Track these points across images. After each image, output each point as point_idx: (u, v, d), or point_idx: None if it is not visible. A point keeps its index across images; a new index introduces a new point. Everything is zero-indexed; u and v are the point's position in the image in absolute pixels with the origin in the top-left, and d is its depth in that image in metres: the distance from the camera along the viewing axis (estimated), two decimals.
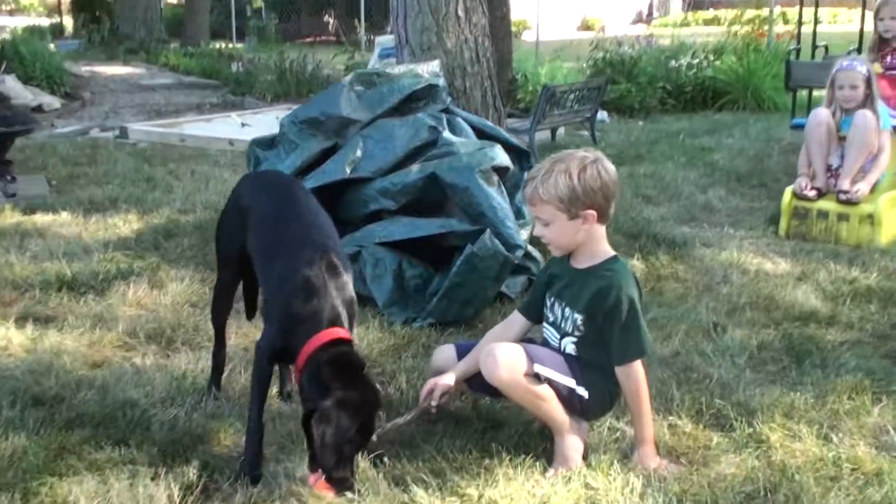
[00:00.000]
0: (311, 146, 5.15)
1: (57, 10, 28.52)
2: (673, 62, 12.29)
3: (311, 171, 5.06)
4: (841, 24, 23.89)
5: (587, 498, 2.87)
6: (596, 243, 3.13)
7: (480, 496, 2.86)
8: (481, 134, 5.21)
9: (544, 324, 3.30)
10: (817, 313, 4.37)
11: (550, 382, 3.08)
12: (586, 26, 26.95)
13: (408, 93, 5.28)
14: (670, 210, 6.38)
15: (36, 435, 3.21)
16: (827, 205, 5.82)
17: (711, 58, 12.37)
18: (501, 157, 4.75)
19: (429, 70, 5.43)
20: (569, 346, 3.18)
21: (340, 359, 2.91)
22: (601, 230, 3.13)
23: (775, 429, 3.25)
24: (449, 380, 3.25)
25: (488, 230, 4.36)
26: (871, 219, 5.65)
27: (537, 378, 3.06)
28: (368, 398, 2.90)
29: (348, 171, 4.94)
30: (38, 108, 11.98)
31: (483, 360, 3.09)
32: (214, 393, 3.60)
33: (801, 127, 6.70)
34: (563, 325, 3.19)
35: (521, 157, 5.25)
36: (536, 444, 3.21)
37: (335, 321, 2.95)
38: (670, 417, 3.38)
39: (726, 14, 18.17)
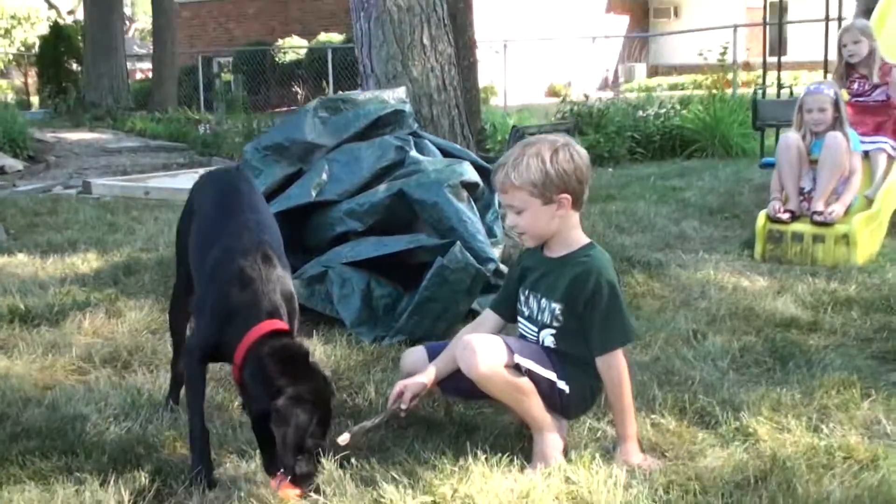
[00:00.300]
0: (275, 172, 5.02)
1: (24, 90, 28.55)
2: (640, 112, 12.34)
3: (276, 196, 4.91)
4: (803, 85, 24.27)
5: (568, 492, 2.68)
6: (570, 231, 3.01)
7: (455, 492, 2.67)
8: (449, 156, 5.10)
9: (519, 319, 3.14)
10: (798, 320, 4.25)
11: (531, 375, 2.92)
12: (553, 92, 27.15)
13: (374, 118, 5.18)
14: (644, 238, 6.28)
15: None
16: (802, 227, 5.74)
17: (678, 107, 12.44)
18: (470, 174, 4.64)
19: (395, 96, 5.34)
20: (547, 338, 3.02)
21: (283, 350, 2.73)
22: (575, 217, 3.01)
23: (763, 422, 3.10)
24: (421, 381, 3.07)
25: (458, 242, 4.22)
26: (846, 239, 5.57)
27: (518, 370, 2.90)
28: (321, 388, 2.73)
29: (314, 194, 4.81)
30: (1, 171, 11.79)
31: (460, 352, 2.92)
32: (171, 406, 3.40)
33: (770, 166, 6.65)
34: (539, 317, 3.04)
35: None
36: (513, 445, 3.03)
37: (273, 313, 2.79)
38: (652, 416, 3.21)
39: (689, 78, 18.49)
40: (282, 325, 2.79)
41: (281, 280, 2.87)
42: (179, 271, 3.44)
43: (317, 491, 2.70)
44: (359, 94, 5.39)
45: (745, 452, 2.91)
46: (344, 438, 2.91)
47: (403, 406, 3.05)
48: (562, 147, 2.93)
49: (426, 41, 5.70)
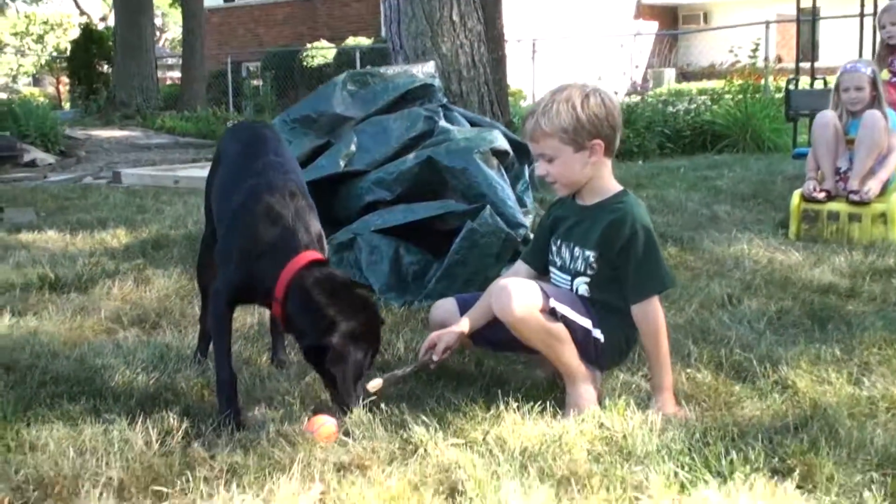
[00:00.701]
0: (304, 143, 5.00)
1: (56, 97, 28.86)
2: (670, 108, 12.24)
3: (304, 168, 4.88)
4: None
5: (603, 437, 2.61)
6: (603, 179, 2.94)
7: (486, 435, 2.61)
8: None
9: (552, 270, 3.08)
10: (837, 287, 4.16)
11: (566, 322, 2.85)
12: None
13: (402, 91, 5.15)
14: (676, 219, 6.19)
15: (5, 393, 2.98)
16: (837, 206, 5.63)
17: (709, 103, 12.33)
18: (500, 141, 4.59)
19: (424, 71, 5.32)
20: (581, 286, 2.96)
21: (329, 280, 2.69)
22: (608, 164, 2.95)
23: (802, 375, 3.02)
24: (454, 331, 3.01)
25: (489, 206, 4.17)
26: (883, 217, 5.47)
27: (553, 315, 2.84)
28: (371, 317, 2.68)
29: (342, 164, 4.78)
30: (32, 163, 11.85)
31: (495, 295, 2.86)
32: (199, 359, 3.36)
33: (803, 156, 6.55)
34: (572, 265, 2.98)
35: (522, 152, 5.07)
36: (545, 396, 2.95)
37: (310, 245, 2.74)
38: (688, 370, 3.15)
39: (719, 84, 18.30)
40: (320, 255, 2.74)
41: (311, 216, 2.83)
42: (208, 226, 3.41)
43: (346, 434, 2.65)
44: (388, 69, 5.36)
45: (784, 403, 2.84)
46: (375, 385, 2.88)
47: (435, 357, 3.00)
48: (592, 92, 2.86)
49: (455, 17, 5.67)
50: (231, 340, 2.94)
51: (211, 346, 3.21)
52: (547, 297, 2.83)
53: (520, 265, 3.20)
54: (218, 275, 2.95)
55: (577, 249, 2.97)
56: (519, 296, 2.79)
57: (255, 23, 29.94)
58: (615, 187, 2.96)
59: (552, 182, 2.96)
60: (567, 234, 3.01)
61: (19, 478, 2.39)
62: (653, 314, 2.85)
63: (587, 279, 2.94)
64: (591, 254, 2.91)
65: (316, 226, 2.84)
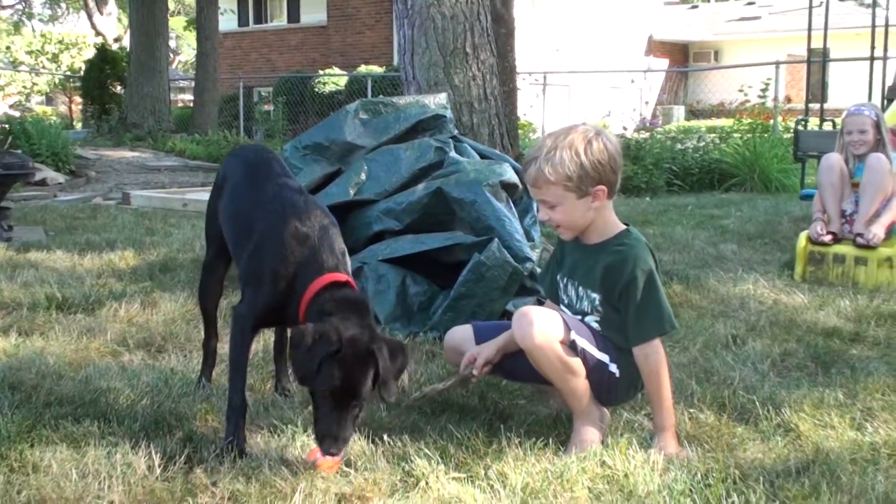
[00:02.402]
0: (315, 170, 5.03)
1: (68, 115, 29.05)
2: (679, 145, 12.29)
3: (314, 195, 4.91)
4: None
5: (604, 475, 2.62)
6: (605, 219, 2.93)
7: (488, 469, 2.62)
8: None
9: (561, 307, 3.09)
10: (841, 331, 4.16)
11: (585, 356, 2.86)
12: None
13: (414, 121, 5.19)
14: (682, 257, 6.21)
15: (10, 413, 2.99)
16: (844, 249, 5.64)
17: (717, 141, 12.38)
18: (509, 174, 4.62)
19: (436, 101, 5.35)
20: (592, 324, 2.96)
21: (345, 301, 2.67)
22: (609, 204, 2.94)
23: (805, 419, 3.02)
24: (492, 347, 3.01)
25: (496, 239, 4.19)
26: (889, 261, 5.47)
27: (573, 349, 2.84)
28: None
29: (352, 193, 4.82)
30: (42, 182, 11.93)
31: (517, 320, 2.85)
32: (204, 384, 3.38)
33: (810, 197, 6.57)
34: (578, 305, 2.99)
35: None
36: (548, 433, 2.96)
37: (333, 268, 2.75)
38: (690, 410, 3.14)
39: (728, 122, 18.39)
40: (342, 276, 2.74)
41: (335, 234, 2.84)
42: (209, 251, 3.43)
43: (348, 464, 2.66)
44: (400, 99, 5.40)
45: (787, 447, 2.84)
46: (416, 396, 2.92)
47: (475, 371, 3.00)
48: (595, 137, 2.83)
49: (469, 49, 5.71)
50: (247, 364, 2.94)
51: (226, 371, 3.23)
52: (568, 329, 2.84)
53: (548, 303, 3.20)
54: (245, 294, 2.95)
55: (580, 289, 2.97)
56: (540, 324, 2.80)
57: (269, 48, 30.19)
58: (617, 227, 2.95)
59: (557, 227, 2.95)
60: (571, 272, 3.02)
61: (21, 499, 2.40)
62: (653, 356, 2.84)
63: (597, 317, 2.95)
64: (596, 296, 2.92)
65: (340, 244, 2.84)
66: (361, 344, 2.55)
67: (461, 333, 3.18)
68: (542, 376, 2.90)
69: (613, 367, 2.90)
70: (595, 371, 2.88)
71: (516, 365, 2.94)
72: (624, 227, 2.96)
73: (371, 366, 2.55)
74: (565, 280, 3.05)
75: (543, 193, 2.86)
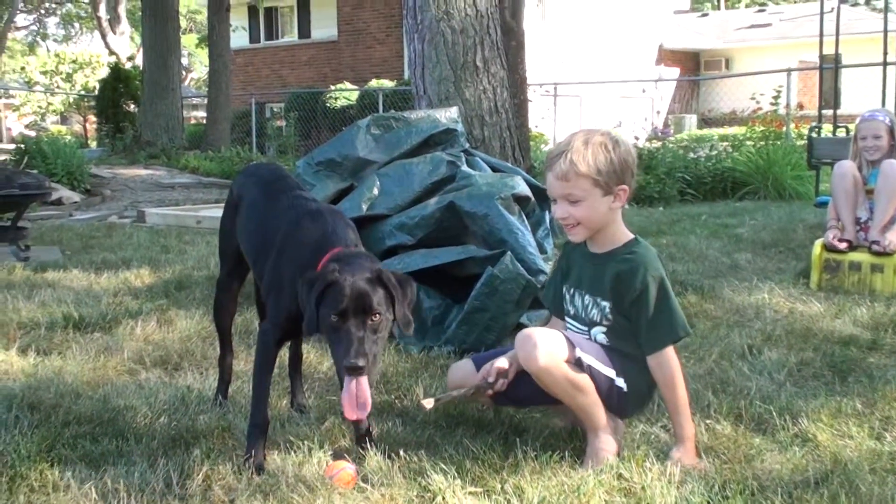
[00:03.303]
0: (328, 186, 5.05)
1: (83, 134, 29.25)
2: (691, 154, 12.26)
3: None
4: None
5: (621, 489, 2.62)
6: (617, 226, 2.95)
7: (504, 484, 2.62)
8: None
9: (567, 319, 3.09)
10: (858, 339, 4.14)
11: (591, 372, 2.86)
12: None
13: (425, 136, 5.21)
14: (696, 267, 6.19)
15: (29, 433, 3.01)
16: (860, 256, 5.62)
17: (730, 150, 12.34)
18: (522, 187, 4.62)
19: (447, 116, 5.37)
20: (599, 336, 2.97)
21: (356, 254, 2.72)
22: (620, 212, 2.96)
23: (823, 429, 3.01)
24: (502, 360, 3.02)
25: (509, 252, 4.20)
26: None
27: (578, 366, 2.84)
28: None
29: (364, 208, 4.83)
30: (58, 202, 12.02)
31: (520, 343, 2.86)
32: (220, 401, 3.39)
33: (825, 205, 6.55)
34: (586, 315, 2.99)
35: (543, 197, 5.11)
36: (564, 446, 2.96)
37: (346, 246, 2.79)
38: (707, 421, 3.13)
39: (740, 130, 18.37)
40: (352, 249, 2.77)
41: (349, 231, 2.86)
42: (223, 268, 3.46)
43: (364, 480, 2.67)
44: (411, 113, 5.42)
45: (805, 457, 2.83)
46: (429, 402, 2.91)
47: (490, 379, 2.99)
48: (620, 139, 2.90)
49: (479, 63, 5.73)
50: (271, 379, 2.96)
51: (242, 387, 3.24)
52: (573, 346, 2.84)
53: (553, 320, 3.20)
54: (269, 307, 2.96)
55: (588, 298, 2.98)
56: (544, 345, 2.80)
57: (280, 64, 30.33)
58: (626, 236, 2.96)
59: (573, 224, 2.93)
60: (578, 282, 3.02)
61: None
62: (666, 365, 2.84)
63: (604, 328, 2.95)
64: (606, 304, 2.92)
65: (354, 238, 2.87)
66: (365, 269, 2.59)
67: (463, 368, 3.18)
68: (551, 397, 2.90)
69: (620, 382, 2.90)
70: (603, 386, 2.88)
71: (523, 390, 2.94)
72: (632, 236, 2.97)
73: (379, 285, 2.57)
74: (572, 291, 3.05)
75: (571, 187, 2.85)
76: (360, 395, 2.55)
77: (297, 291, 2.65)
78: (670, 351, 2.85)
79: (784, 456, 2.84)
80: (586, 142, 2.84)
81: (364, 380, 2.55)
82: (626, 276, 2.86)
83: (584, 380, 2.84)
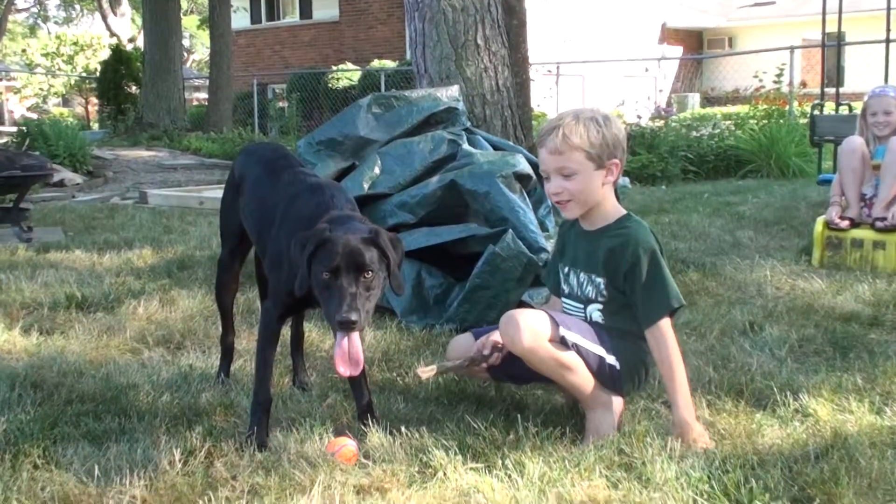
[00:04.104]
0: (329, 166, 5.04)
1: (85, 117, 29.20)
2: (694, 133, 12.23)
3: None
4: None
5: (622, 463, 2.62)
6: (608, 203, 2.97)
7: (505, 458, 2.63)
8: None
9: (563, 299, 3.10)
10: (859, 315, 4.14)
11: (578, 350, 2.87)
12: None
13: (426, 115, 5.20)
14: (698, 245, 6.19)
15: (32, 411, 3.03)
16: (862, 233, 5.60)
17: (733, 128, 12.31)
18: (523, 165, 4.62)
19: (448, 94, 5.35)
20: (595, 313, 2.97)
21: (349, 215, 2.75)
22: (611, 189, 2.97)
23: (823, 404, 3.01)
24: (498, 336, 3.00)
25: (510, 230, 4.19)
26: None
27: (564, 344, 2.85)
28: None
29: (366, 187, 4.83)
30: (60, 183, 12.00)
31: (503, 326, 2.87)
32: (223, 379, 3.41)
33: (828, 182, 6.53)
34: (582, 293, 2.99)
35: None
36: (564, 422, 2.97)
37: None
38: (708, 397, 3.15)
39: (743, 109, 18.29)
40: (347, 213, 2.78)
41: (346, 203, 2.87)
42: (224, 248, 3.47)
43: (366, 456, 2.68)
44: (412, 92, 5.41)
45: (805, 432, 2.83)
46: (424, 371, 2.94)
47: (486, 352, 3.00)
48: (610, 116, 2.93)
49: (480, 41, 5.71)
50: (275, 356, 2.97)
51: (244, 366, 3.25)
52: (556, 325, 2.85)
53: (553, 299, 3.21)
54: (270, 284, 2.97)
55: (582, 275, 2.99)
56: (527, 326, 2.80)
57: (282, 45, 30.26)
58: (619, 212, 2.98)
59: (566, 200, 2.93)
60: (574, 260, 3.04)
61: (45, 495, 2.43)
62: (664, 340, 2.82)
63: (600, 306, 2.96)
64: (601, 280, 2.93)
65: (350, 207, 2.88)
66: (358, 228, 2.62)
67: (462, 342, 3.18)
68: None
69: (612, 360, 2.91)
70: (593, 364, 2.88)
71: (520, 367, 2.94)
72: (624, 212, 2.98)
73: (372, 244, 2.59)
74: (567, 269, 3.06)
75: (565, 160, 2.86)
76: (352, 350, 2.58)
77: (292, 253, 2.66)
78: (666, 325, 2.84)
79: (784, 431, 2.85)
80: (577, 117, 2.87)
81: (356, 336, 2.58)
82: (618, 250, 2.87)
83: (570, 358, 2.85)
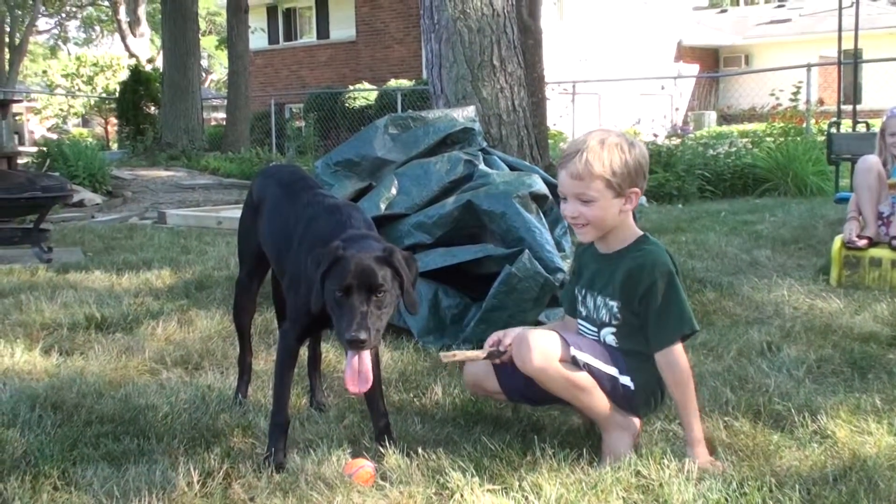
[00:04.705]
0: (346, 186, 5.07)
1: (104, 136, 29.49)
2: (710, 151, 12.21)
3: None
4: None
5: (639, 486, 2.62)
6: (626, 226, 2.95)
7: (522, 481, 2.63)
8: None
9: (578, 321, 3.10)
10: (878, 335, 4.12)
11: (590, 370, 2.87)
12: None
13: (443, 135, 5.22)
14: (715, 264, 6.17)
15: (52, 432, 3.05)
16: (880, 252, 5.58)
17: (750, 146, 12.28)
18: (539, 185, 4.63)
19: (464, 115, 5.38)
20: (608, 336, 2.97)
21: (364, 234, 2.78)
22: (629, 214, 2.95)
23: (841, 425, 3.00)
24: (517, 330, 3.02)
25: (527, 251, 4.21)
26: None
27: (576, 365, 2.85)
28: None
29: (383, 207, 4.85)
30: (80, 203, 12.10)
31: (515, 346, 2.88)
32: (240, 400, 3.42)
33: (845, 200, 6.51)
34: (596, 315, 2.98)
35: None
36: (581, 443, 2.97)
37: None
38: (725, 418, 3.14)
39: (760, 126, 18.26)
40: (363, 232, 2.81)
41: (364, 224, 2.89)
42: (242, 267, 3.50)
43: (383, 478, 2.69)
44: (428, 113, 5.44)
45: (823, 454, 2.82)
46: (447, 356, 2.99)
47: (502, 348, 2.99)
48: (635, 141, 2.91)
49: (496, 62, 5.74)
50: (293, 378, 2.98)
51: (262, 387, 3.27)
52: (567, 345, 2.85)
53: (568, 319, 3.21)
54: (289, 305, 3.00)
55: (599, 298, 2.97)
56: (537, 346, 2.81)
57: (299, 64, 30.46)
58: (635, 234, 2.96)
59: (582, 224, 2.92)
60: (590, 283, 3.02)
61: None
62: (676, 363, 2.81)
63: (613, 329, 2.95)
64: (614, 304, 2.92)
65: (366, 226, 2.91)
66: (372, 247, 2.65)
67: (477, 367, 3.14)
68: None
69: (626, 380, 2.90)
70: (607, 385, 2.88)
71: (535, 390, 2.94)
72: (641, 233, 2.97)
73: (385, 263, 2.61)
74: (583, 292, 3.05)
75: (584, 186, 2.84)
76: (361, 368, 2.61)
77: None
78: (679, 349, 2.83)
79: (802, 453, 2.84)
80: (602, 142, 2.83)
81: (366, 354, 2.62)
82: (635, 273, 2.86)
83: (582, 378, 2.85)
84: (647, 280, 2.83)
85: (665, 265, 2.85)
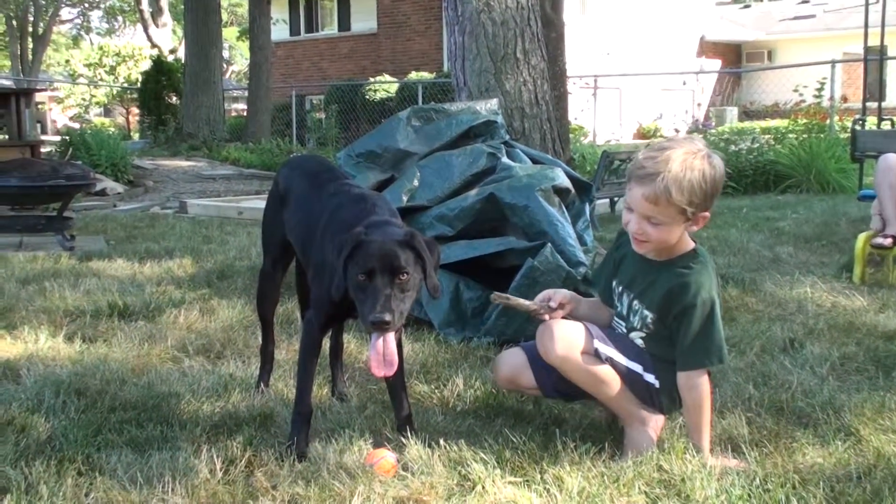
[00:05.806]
0: (368, 178, 5.07)
1: (126, 126, 29.62)
2: (733, 147, 12.14)
3: None
4: None
5: (661, 480, 2.61)
6: (682, 239, 2.83)
7: (544, 473, 2.63)
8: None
9: (613, 315, 3.07)
10: None
11: (613, 364, 2.85)
12: (642, 134, 27.03)
13: (465, 128, 5.21)
14: (737, 260, 6.15)
15: (77, 418, 3.07)
16: None
17: (772, 142, 12.20)
18: (562, 179, 4.62)
19: (487, 108, 5.37)
20: (637, 340, 2.94)
21: (385, 220, 2.77)
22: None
23: (865, 423, 2.98)
24: (565, 292, 3.03)
25: (549, 244, 4.20)
26: None
27: (598, 357, 2.85)
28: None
29: (405, 199, 4.85)
30: (102, 192, 12.18)
31: (539, 335, 2.88)
32: (262, 389, 3.44)
33: (870, 198, 6.45)
34: (630, 318, 2.94)
35: (583, 190, 5.11)
36: (603, 437, 2.96)
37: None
38: (748, 414, 3.12)
39: (782, 123, 18.11)
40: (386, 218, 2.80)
41: (388, 211, 2.89)
42: (267, 259, 3.50)
43: (405, 468, 2.69)
44: (451, 105, 5.43)
45: (847, 451, 2.80)
46: (499, 296, 3.00)
47: (553, 304, 2.97)
48: (716, 160, 2.74)
49: (519, 55, 5.72)
50: (316, 367, 2.98)
51: (284, 376, 3.28)
52: (591, 337, 2.84)
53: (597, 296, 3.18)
54: (313, 295, 3.00)
55: (636, 304, 2.92)
56: (561, 336, 2.81)
57: (320, 56, 30.49)
58: (687, 245, 2.85)
59: (643, 241, 2.80)
60: (630, 283, 2.95)
61: (89, 501, 2.48)
62: (697, 388, 2.78)
63: (642, 334, 2.92)
64: (649, 315, 2.87)
65: (390, 215, 2.90)
66: (394, 232, 2.64)
67: (514, 361, 3.09)
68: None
69: (650, 378, 2.88)
70: (630, 380, 2.87)
71: (571, 385, 2.92)
72: (692, 245, 2.86)
73: (408, 247, 2.61)
74: (621, 289, 2.99)
75: (658, 211, 2.70)
76: (386, 351, 2.60)
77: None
78: (702, 374, 2.79)
79: (826, 450, 2.82)
80: (685, 165, 2.66)
81: (391, 336, 2.60)
82: (676, 291, 2.78)
83: (604, 371, 2.84)
84: (687, 302, 2.76)
85: (708, 293, 2.76)
